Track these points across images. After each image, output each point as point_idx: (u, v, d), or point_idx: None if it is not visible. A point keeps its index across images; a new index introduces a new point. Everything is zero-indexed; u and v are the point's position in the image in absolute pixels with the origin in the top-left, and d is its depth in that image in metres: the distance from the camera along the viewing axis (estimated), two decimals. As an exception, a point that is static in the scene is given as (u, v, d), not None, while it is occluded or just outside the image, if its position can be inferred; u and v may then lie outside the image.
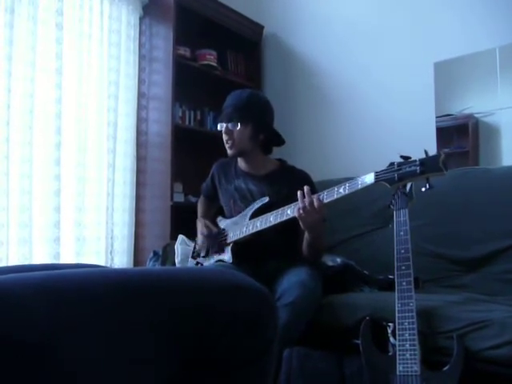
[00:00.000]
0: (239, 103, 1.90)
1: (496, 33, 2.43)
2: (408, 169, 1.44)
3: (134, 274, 0.69)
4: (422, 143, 1.46)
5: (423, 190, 1.42)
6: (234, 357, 0.68)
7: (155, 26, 2.95)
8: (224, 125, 1.90)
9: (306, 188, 1.65)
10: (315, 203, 1.61)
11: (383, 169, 1.50)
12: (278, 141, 2.00)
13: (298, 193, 1.64)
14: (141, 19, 2.99)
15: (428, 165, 1.40)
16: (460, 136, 2.64)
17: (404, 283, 1.43)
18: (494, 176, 2.11)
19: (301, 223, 1.66)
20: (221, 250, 1.95)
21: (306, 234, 1.75)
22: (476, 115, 2.52)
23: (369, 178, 1.51)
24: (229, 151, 1.94)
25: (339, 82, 3.07)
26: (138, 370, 0.61)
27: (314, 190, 1.72)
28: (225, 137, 1.91)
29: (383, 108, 2.84)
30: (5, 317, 0.52)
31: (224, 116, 1.91)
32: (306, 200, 1.62)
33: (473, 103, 2.53)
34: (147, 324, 0.62)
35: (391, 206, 1.56)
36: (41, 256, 2.39)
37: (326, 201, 1.61)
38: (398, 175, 1.46)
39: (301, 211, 1.62)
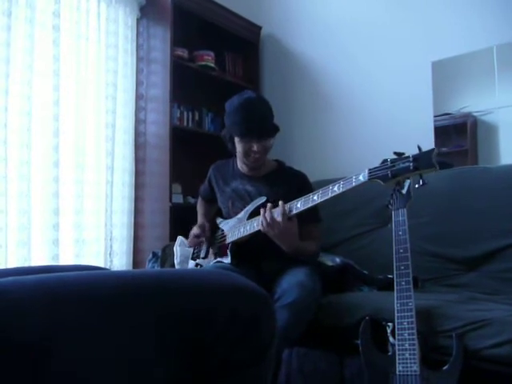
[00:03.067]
0: (268, 114, 1.86)
1: (493, 31, 2.43)
2: (401, 165, 1.42)
3: (134, 276, 0.69)
4: (420, 142, 1.45)
5: (417, 186, 1.41)
6: (233, 358, 0.68)
7: (153, 27, 2.95)
8: (257, 143, 1.83)
9: (268, 205, 1.70)
10: (278, 218, 1.65)
11: (376, 166, 1.49)
12: None
13: (261, 210, 1.70)
14: (138, 20, 2.99)
15: (421, 161, 1.39)
16: (458, 135, 2.64)
17: (403, 283, 1.42)
18: (492, 175, 2.11)
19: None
20: (220, 251, 1.96)
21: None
22: (474, 114, 2.52)
23: (362, 176, 1.51)
24: (254, 164, 1.91)
25: (337, 82, 3.07)
26: (138, 370, 0.62)
27: (310, 190, 1.72)
28: (258, 154, 1.85)
29: (381, 107, 2.84)
30: (4, 318, 0.52)
31: (254, 133, 1.82)
32: (267, 215, 1.67)
33: (471, 102, 2.54)
34: (147, 326, 0.62)
35: (389, 206, 1.56)
36: (40, 258, 2.39)
37: (318, 201, 1.61)
38: (392, 172, 1.44)
39: (263, 226, 1.69)
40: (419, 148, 1.41)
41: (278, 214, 1.66)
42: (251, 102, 1.86)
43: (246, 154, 1.87)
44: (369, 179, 1.48)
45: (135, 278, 0.67)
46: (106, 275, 0.69)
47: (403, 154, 1.45)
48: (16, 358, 0.52)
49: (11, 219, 2.29)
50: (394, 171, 1.44)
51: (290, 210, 1.67)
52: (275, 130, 1.88)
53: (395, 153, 1.47)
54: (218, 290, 0.70)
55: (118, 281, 0.65)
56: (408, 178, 1.49)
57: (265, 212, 1.68)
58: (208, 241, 2.03)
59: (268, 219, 1.66)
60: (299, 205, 1.66)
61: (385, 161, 1.47)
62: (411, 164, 1.40)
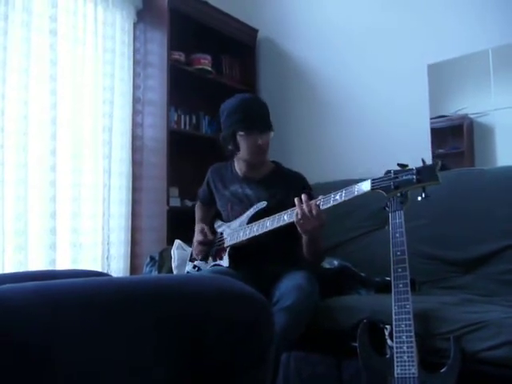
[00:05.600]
0: (266, 111, 1.93)
1: (489, 34, 2.44)
2: (404, 177, 1.44)
3: (133, 282, 0.69)
4: (417, 145, 1.46)
5: (419, 199, 1.42)
6: (231, 362, 0.68)
7: (149, 31, 2.95)
8: (261, 137, 1.87)
9: (303, 196, 1.65)
10: (313, 211, 1.60)
11: (380, 176, 1.50)
12: None
13: (296, 199, 1.65)
14: (135, 25, 2.99)
15: (424, 173, 1.40)
16: (455, 137, 2.65)
17: (400, 285, 1.43)
18: (489, 176, 2.12)
19: (299, 229, 1.66)
20: (218, 255, 1.96)
21: (303, 237, 1.75)
22: (470, 116, 2.53)
23: (365, 186, 1.52)
24: (258, 159, 1.94)
25: (333, 85, 3.07)
26: (138, 372, 0.62)
27: (310, 193, 1.72)
28: (259, 147, 1.88)
29: (378, 110, 2.85)
30: (6, 323, 0.52)
31: (257, 126, 1.87)
32: (304, 207, 1.62)
33: (467, 104, 2.55)
34: (146, 329, 0.63)
35: (386, 208, 1.56)
36: (37, 263, 2.38)
37: (323, 207, 1.61)
38: (395, 183, 1.46)
39: (299, 218, 1.62)
40: (423, 161, 1.42)
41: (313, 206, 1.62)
42: (249, 99, 1.97)
43: (251, 149, 1.89)
44: (372, 189, 1.50)
45: (134, 284, 0.68)
46: (105, 282, 0.69)
47: (407, 165, 1.46)
48: (18, 362, 0.52)
49: (8, 223, 2.28)
50: (396, 183, 1.45)
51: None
52: (272, 125, 1.93)
53: (399, 164, 1.48)
54: (216, 296, 0.71)
55: (117, 287, 0.65)
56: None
57: (301, 203, 1.63)
58: (209, 244, 2.02)
59: (314, 211, 1.60)
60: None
61: (388, 172, 1.49)
62: (414, 176, 1.41)
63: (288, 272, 1.77)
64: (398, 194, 1.51)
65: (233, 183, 2.01)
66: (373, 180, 1.50)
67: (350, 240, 2.35)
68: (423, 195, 1.41)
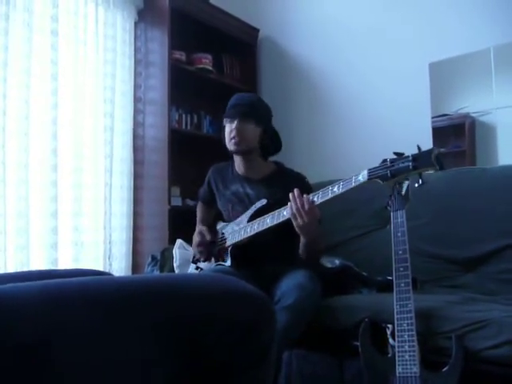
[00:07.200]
0: (255, 103, 1.93)
1: (490, 32, 2.44)
2: (401, 164, 1.42)
3: (134, 281, 0.69)
4: (419, 143, 1.45)
5: (416, 185, 1.41)
6: (232, 362, 0.68)
7: (150, 30, 2.96)
8: (235, 120, 1.87)
9: (295, 190, 1.65)
10: (306, 205, 1.61)
11: (376, 166, 1.49)
12: (276, 147, 2.01)
13: (290, 195, 1.65)
14: (136, 24, 2.99)
15: (420, 160, 1.39)
16: (456, 136, 2.64)
17: (402, 284, 1.43)
18: (490, 175, 2.11)
19: (294, 225, 1.66)
20: (220, 254, 1.96)
21: (301, 237, 1.75)
22: (472, 115, 2.53)
23: (362, 176, 1.51)
24: (234, 147, 1.91)
25: (335, 84, 3.07)
26: (137, 371, 0.62)
27: (310, 193, 1.72)
28: (233, 132, 1.87)
29: (379, 109, 2.85)
30: (5, 323, 0.52)
31: (236, 112, 1.88)
32: (298, 202, 1.62)
33: (469, 103, 2.54)
34: (145, 329, 0.63)
35: (388, 208, 1.56)
36: (38, 262, 2.38)
37: (317, 202, 1.61)
38: (391, 171, 1.44)
39: (293, 211, 1.63)
40: (419, 148, 1.41)
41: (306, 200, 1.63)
42: (244, 93, 2.00)
43: (227, 137, 1.91)
44: (368, 179, 1.49)
45: (135, 283, 0.68)
46: (106, 281, 0.69)
47: (403, 154, 1.45)
48: (18, 362, 0.52)
49: (10, 223, 2.29)
50: (393, 171, 1.44)
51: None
52: (259, 119, 1.90)
53: (395, 153, 1.47)
54: (218, 296, 0.70)
55: (119, 286, 0.65)
56: (407, 179, 1.49)
57: (294, 199, 1.64)
58: (207, 245, 2.02)
59: (306, 205, 1.61)
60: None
61: (384, 161, 1.48)
62: (410, 163, 1.40)
63: (289, 271, 1.77)
64: (398, 187, 1.50)
65: (233, 183, 2.01)
66: (369, 169, 1.50)
67: (351, 239, 2.35)
68: (420, 182, 1.40)
